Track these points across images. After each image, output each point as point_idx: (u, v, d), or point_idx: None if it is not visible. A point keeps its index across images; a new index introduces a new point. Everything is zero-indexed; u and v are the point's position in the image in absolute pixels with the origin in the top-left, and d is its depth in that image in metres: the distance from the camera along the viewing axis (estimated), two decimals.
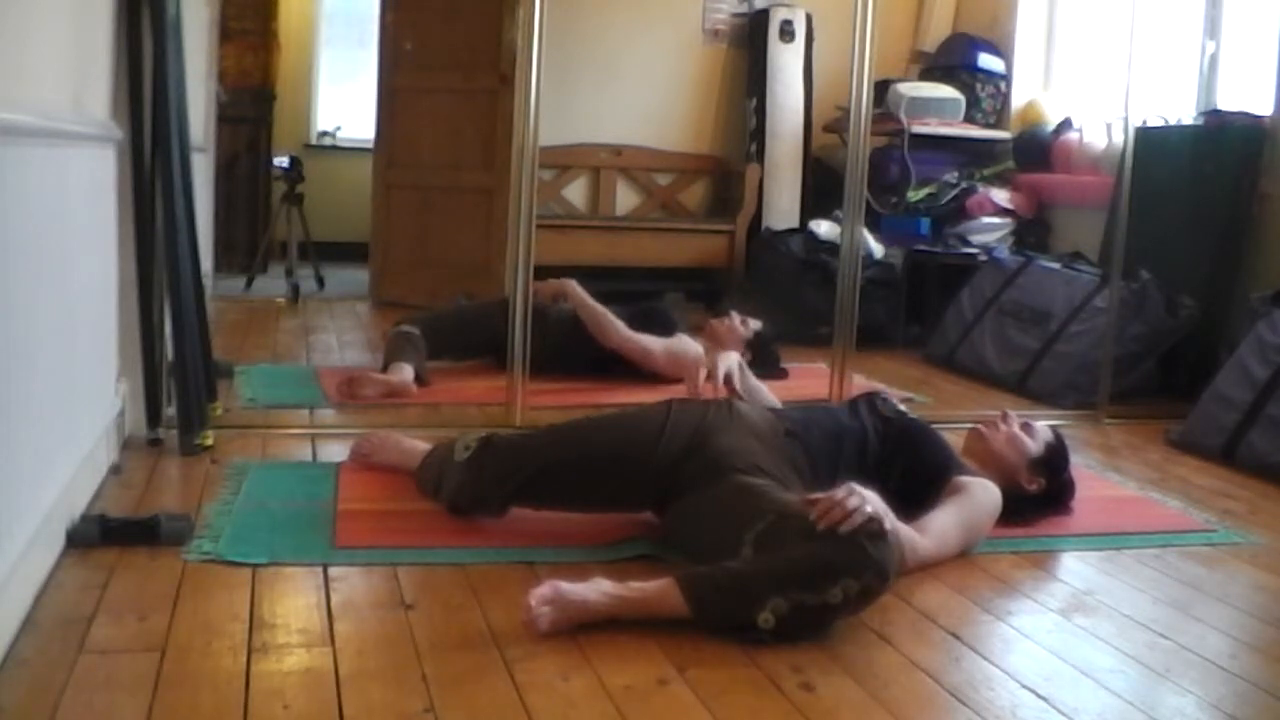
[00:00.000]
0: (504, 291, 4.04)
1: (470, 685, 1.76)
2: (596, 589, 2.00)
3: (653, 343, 4.09)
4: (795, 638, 1.94)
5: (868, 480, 2.45)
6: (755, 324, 4.34)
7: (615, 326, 4.07)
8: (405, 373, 3.80)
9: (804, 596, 1.94)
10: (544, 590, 1.96)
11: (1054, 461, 2.71)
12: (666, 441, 2.39)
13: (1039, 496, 2.68)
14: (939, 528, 2.37)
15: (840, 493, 2.00)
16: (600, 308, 4.09)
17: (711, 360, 2.49)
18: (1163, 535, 2.71)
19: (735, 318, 4.33)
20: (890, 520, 2.08)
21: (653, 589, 2.01)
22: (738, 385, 2.99)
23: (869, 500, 1.99)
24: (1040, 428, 2.73)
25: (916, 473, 2.50)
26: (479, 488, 2.47)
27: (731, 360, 3.04)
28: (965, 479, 2.49)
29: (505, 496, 2.46)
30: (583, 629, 1.95)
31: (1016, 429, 2.69)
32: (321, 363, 4.40)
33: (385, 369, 3.88)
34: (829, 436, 2.51)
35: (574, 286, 4.10)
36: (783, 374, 4.29)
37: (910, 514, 2.33)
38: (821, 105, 6.17)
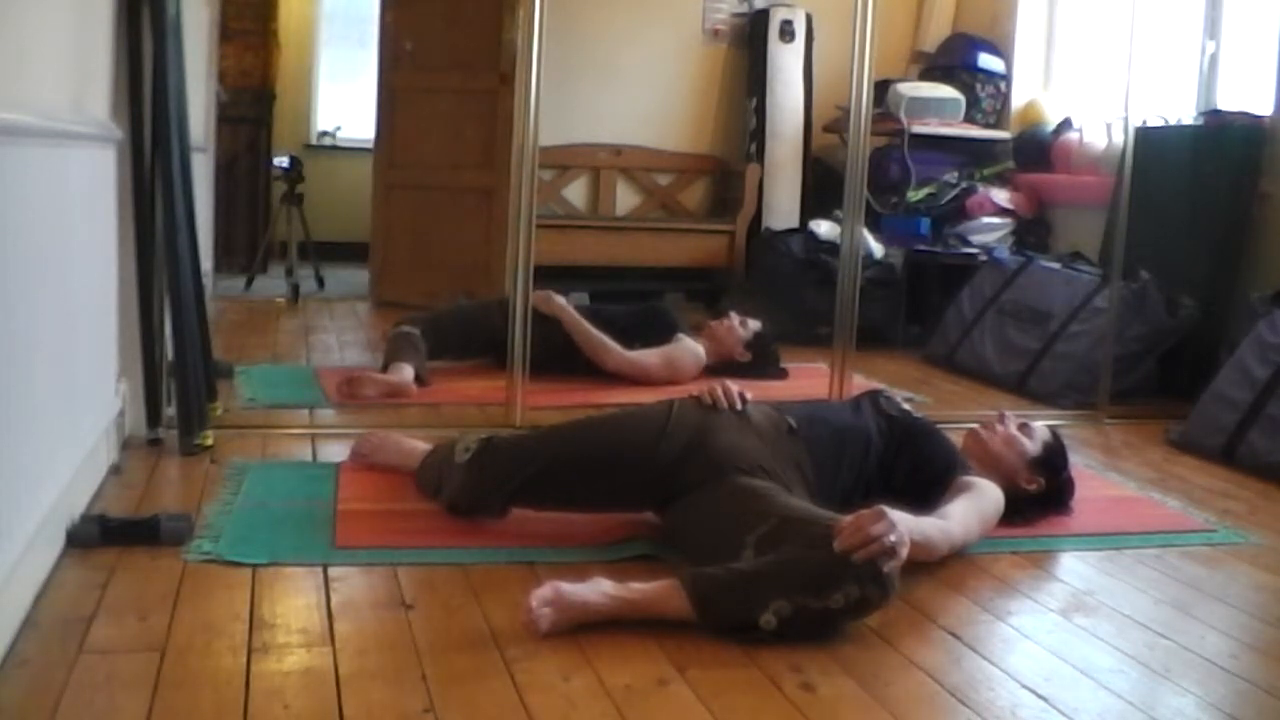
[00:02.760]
0: (504, 291, 4.04)
1: (470, 685, 1.76)
2: (597, 589, 2.00)
3: (649, 359, 4.07)
4: (796, 639, 1.94)
5: (870, 479, 2.46)
6: (755, 324, 4.33)
7: (610, 350, 4.04)
8: (405, 373, 3.80)
9: (806, 600, 1.94)
10: (544, 591, 1.96)
11: (1052, 461, 2.71)
12: (668, 441, 2.39)
13: (1039, 496, 2.68)
14: (961, 514, 2.38)
15: (868, 517, 1.98)
16: (595, 332, 4.04)
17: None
18: (1163, 535, 2.71)
19: (735, 318, 4.33)
20: (916, 531, 2.09)
21: (655, 589, 2.01)
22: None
23: (897, 525, 1.98)
24: (1038, 428, 2.73)
25: (921, 472, 2.49)
26: (480, 489, 2.47)
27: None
28: (970, 478, 2.49)
29: (506, 497, 2.45)
30: (583, 629, 1.95)
31: (1014, 429, 2.69)
32: (321, 363, 4.40)
33: (385, 369, 3.88)
34: (832, 435, 2.51)
35: (568, 312, 4.05)
36: (783, 374, 4.30)
37: (916, 513, 2.33)
38: (821, 105, 6.17)
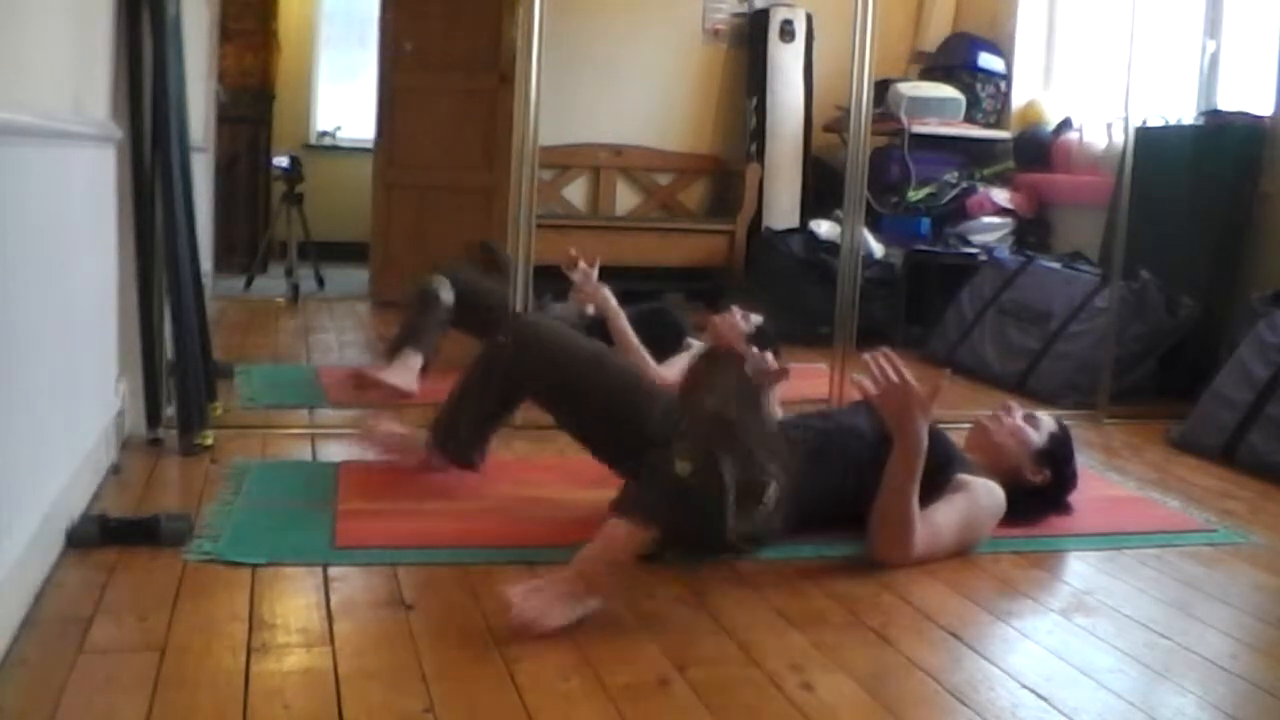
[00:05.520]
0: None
1: (470, 685, 1.76)
2: (557, 574, 2.01)
3: (675, 374, 3.98)
4: (711, 490, 1.94)
5: (866, 477, 2.44)
6: (756, 318, 4.32)
7: (647, 365, 3.87)
8: (410, 368, 3.74)
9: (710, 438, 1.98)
10: (516, 592, 1.96)
11: (1058, 452, 2.69)
12: (660, 423, 2.41)
13: (1044, 489, 2.67)
14: (937, 521, 2.37)
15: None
16: (636, 342, 3.76)
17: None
18: (1163, 535, 2.71)
19: (736, 312, 4.32)
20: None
21: (603, 535, 2.02)
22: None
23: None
24: (1044, 419, 2.73)
25: (927, 467, 2.46)
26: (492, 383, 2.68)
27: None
28: (968, 478, 2.48)
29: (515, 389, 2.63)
30: (582, 629, 1.96)
31: (1019, 420, 2.68)
32: (321, 363, 4.40)
33: (397, 345, 3.82)
34: (824, 428, 2.55)
35: (617, 315, 3.75)
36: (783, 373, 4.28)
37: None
38: (821, 105, 6.17)
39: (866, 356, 2.33)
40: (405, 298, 4.27)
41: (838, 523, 2.44)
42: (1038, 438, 2.67)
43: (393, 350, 3.89)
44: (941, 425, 2.70)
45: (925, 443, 2.28)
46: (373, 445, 2.96)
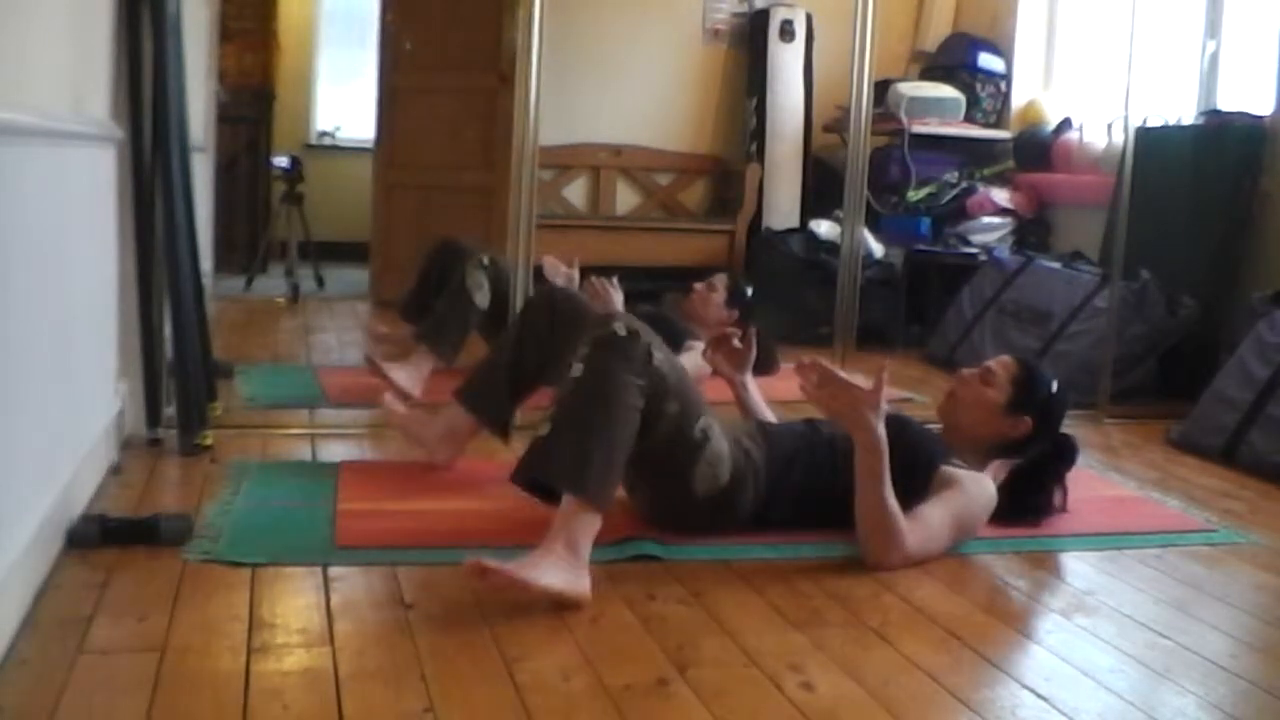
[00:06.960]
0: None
1: (470, 685, 1.76)
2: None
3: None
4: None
5: (843, 476, 2.41)
6: (720, 279, 4.32)
7: None
8: (420, 372, 3.66)
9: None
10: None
11: (1027, 394, 2.61)
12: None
13: (1035, 435, 2.61)
14: (929, 520, 2.36)
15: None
16: None
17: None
18: (1163, 535, 2.71)
19: (700, 286, 4.31)
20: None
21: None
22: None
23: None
24: (998, 367, 2.64)
25: (903, 464, 2.39)
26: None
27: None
28: (955, 471, 2.46)
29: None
30: (582, 629, 1.96)
31: (976, 389, 2.62)
32: (321, 363, 4.40)
33: (420, 335, 3.77)
34: (797, 428, 2.57)
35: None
36: (774, 368, 4.27)
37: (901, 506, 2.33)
38: (821, 105, 6.18)
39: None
40: (427, 261, 4.23)
41: (837, 522, 2.43)
42: (998, 394, 2.60)
43: (406, 315, 3.90)
44: (938, 428, 2.71)
45: (883, 437, 2.27)
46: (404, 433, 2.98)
